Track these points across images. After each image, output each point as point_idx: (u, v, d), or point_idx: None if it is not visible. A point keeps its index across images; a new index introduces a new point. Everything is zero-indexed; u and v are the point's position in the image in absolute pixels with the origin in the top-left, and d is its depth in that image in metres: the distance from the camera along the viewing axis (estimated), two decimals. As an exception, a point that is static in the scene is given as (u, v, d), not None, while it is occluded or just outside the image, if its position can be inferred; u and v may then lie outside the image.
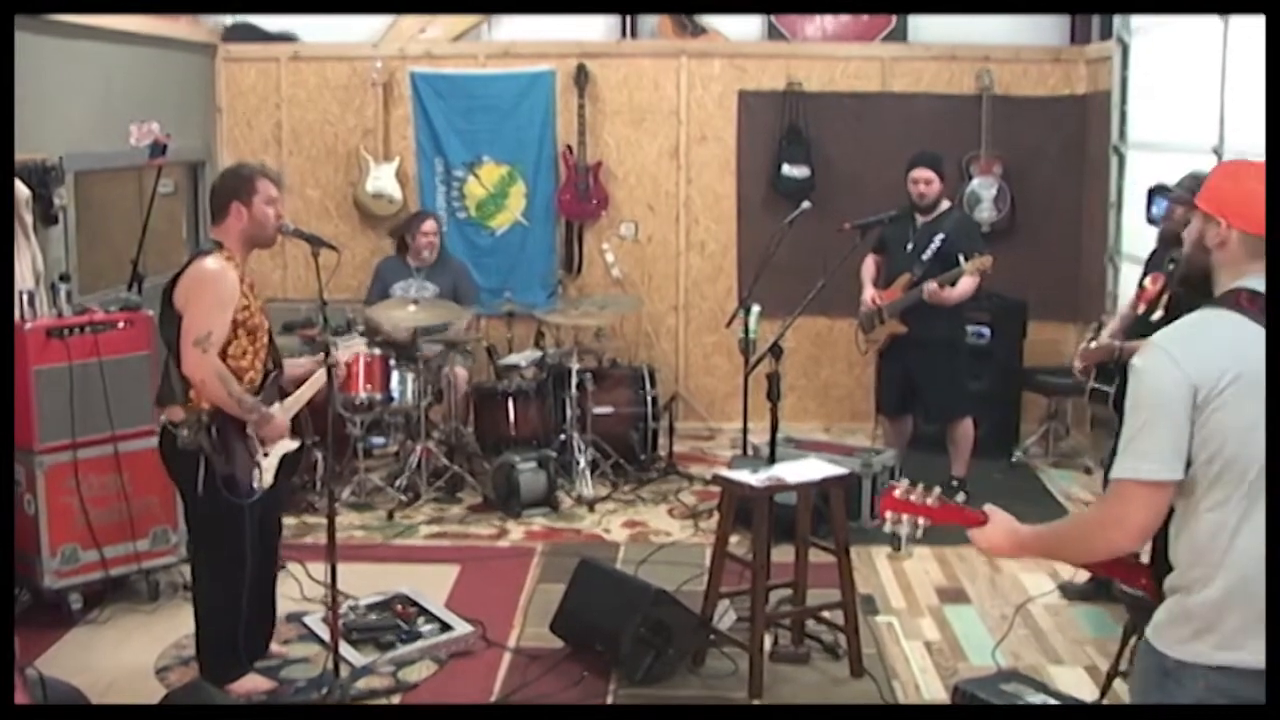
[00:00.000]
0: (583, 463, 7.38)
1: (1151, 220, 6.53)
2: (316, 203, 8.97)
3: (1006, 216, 8.50)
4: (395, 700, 4.83)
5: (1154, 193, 6.33)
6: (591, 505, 7.15)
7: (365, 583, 5.76)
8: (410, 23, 8.93)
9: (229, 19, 8.91)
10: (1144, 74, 7.62)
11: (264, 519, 4.76)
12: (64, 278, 5.87)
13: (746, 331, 6.94)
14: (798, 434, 7.61)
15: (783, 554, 5.19)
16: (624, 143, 8.86)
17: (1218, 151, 6.08)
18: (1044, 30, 8.77)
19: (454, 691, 4.88)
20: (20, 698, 3.78)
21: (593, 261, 8.97)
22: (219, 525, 4.56)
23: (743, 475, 5.05)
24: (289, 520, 6.63)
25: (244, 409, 4.49)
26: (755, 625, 4.79)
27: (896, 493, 2.92)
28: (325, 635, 5.11)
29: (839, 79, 8.72)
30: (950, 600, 5.82)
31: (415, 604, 5.54)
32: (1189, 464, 2.48)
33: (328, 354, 4.73)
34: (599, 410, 7.63)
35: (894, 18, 8.74)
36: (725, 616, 5.25)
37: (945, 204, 7.01)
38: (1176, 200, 5.09)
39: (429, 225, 7.90)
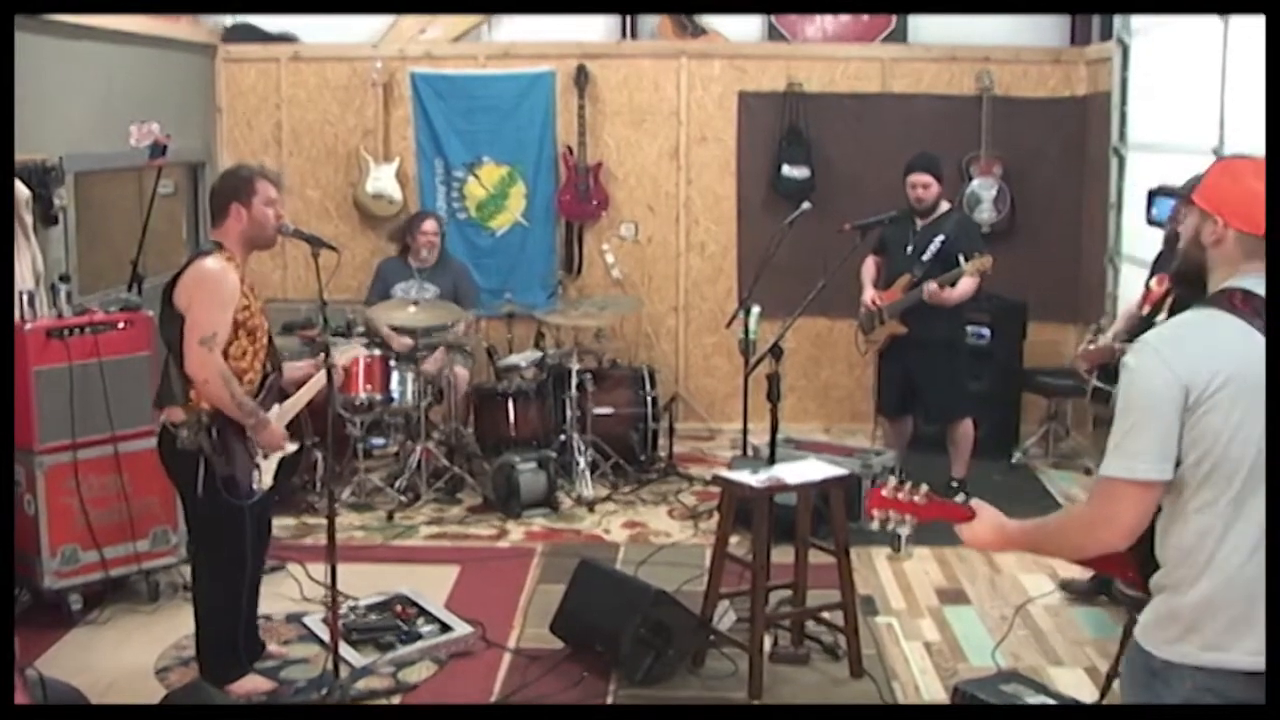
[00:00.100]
0: (583, 463, 7.38)
1: (1151, 221, 6.53)
2: (316, 203, 8.97)
3: (1006, 217, 8.50)
4: (395, 701, 4.83)
5: (1156, 194, 6.33)
6: (591, 506, 7.15)
7: (365, 583, 5.76)
8: (410, 23, 8.93)
9: (229, 19, 8.91)
10: (1144, 75, 7.62)
11: (263, 519, 4.76)
12: (64, 278, 5.87)
13: (746, 332, 6.95)
14: (798, 435, 7.61)
15: (782, 555, 5.19)
16: (624, 143, 8.86)
17: (1218, 152, 6.08)
18: (1044, 31, 8.78)
19: (454, 692, 4.88)
20: (20, 698, 3.78)
21: (593, 262, 8.97)
22: (219, 526, 4.56)
23: (743, 476, 5.05)
24: (289, 521, 6.65)
25: (244, 412, 4.49)
26: (755, 626, 4.79)
27: (884, 491, 2.93)
28: (325, 636, 5.12)
29: (839, 80, 8.72)
30: (950, 601, 5.82)
31: (415, 604, 5.54)
32: (1178, 464, 2.48)
33: (327, 355, 4.74)
34: (599, 411, 7.63)
35: (894, 19, 8.74)
36: (725, 617, 5.25)
37: (945, 205, 7.01)
38: (1183, 202, 5.10)
39: (428, 225, 7.90)
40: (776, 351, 5.72)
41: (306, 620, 5.47)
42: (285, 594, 5.74)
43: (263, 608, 5.14)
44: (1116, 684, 4.46)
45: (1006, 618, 5.57)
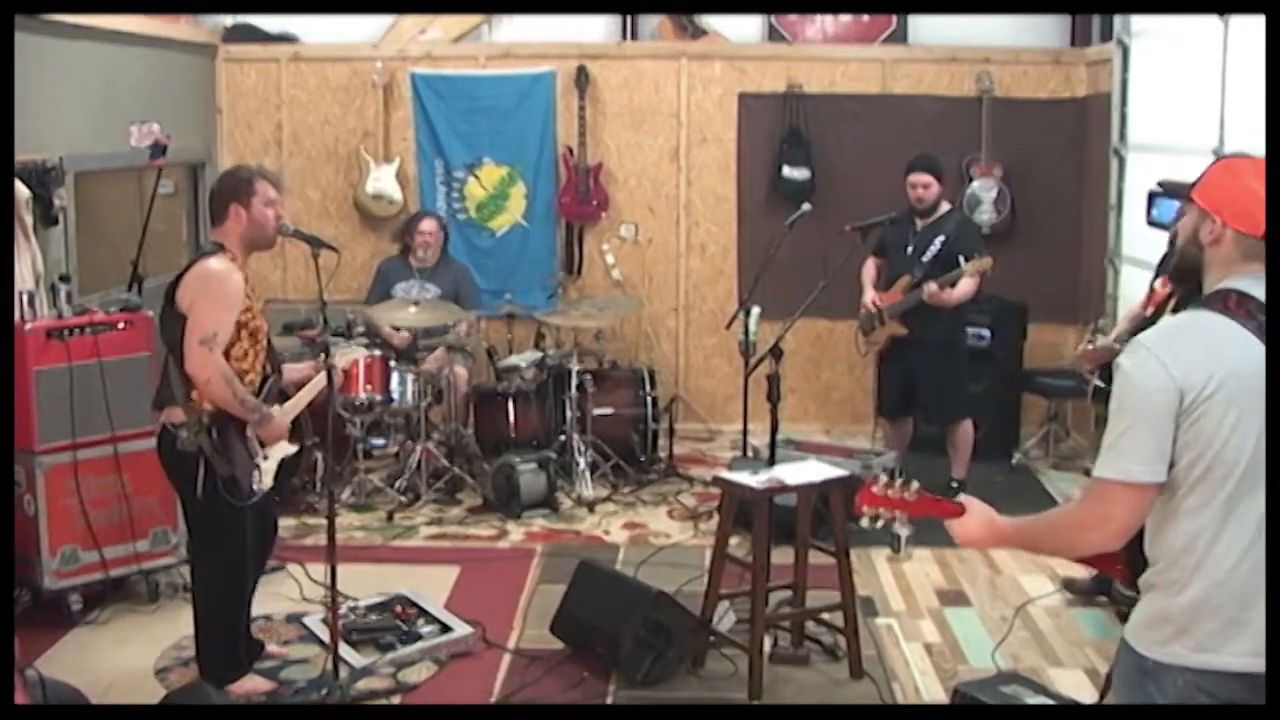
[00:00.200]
0: (583, 464, 7.37)
1: (1152, 223, 6.54)
2: (316, 204, 8.97)
3: (1006, 219, 8.50)
4: (395, 701, 4.83)
5: (1157, 195, 6.33)
6: (591, 507, 7.15)
7: (365, 584, 5.76)
8: (411, 24, 8.93)
9: (229, 20, 8.91)
10: (1144, 76, 7.63)
11: (264, 520, 4.76)
12: (64, 278, 5.88)
13: (746, 333, 6.95)
14: (798, 436, 7.61)
15: (782, 556, 5.19)
16: (624, 144, 8.86)
17: (1218, 153, 6.08)
18: (1044, 32, 8.77)
19: (454, 693, 4.88)
20: (20, 698, 3.78)
21: (593, 263, 8.97)
22: (218, 527, 4.56)
23: (743, 477, 5.05)
24: (290, 521, 6.64)
25: (246, 409, 4.50)
26: (755, 627, 4.79)
27: (875, 488, 2.93)
28: (325, 636, 5.12)
29: (839, 81, 8.72)
30: (950, 602, 5.82)
31: (415, 605, 5.53)
32: (1171, 465, 2.48)
33: (328, 356, 4.73)
34: (599, 412, 7.63)
35: (894, 21, 8.74)
36: (725, 618, 5.25)
37: (945, 206, 7.02)
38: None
39: (426, 225, 7.90)
40: (776, 352, 5.73)
41: (306, 620, 5.47)
42: (285, 594, 5.74)
43: (263, 608, 5.15)
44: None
45: (1006, 619, 5.57)
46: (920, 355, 6.94)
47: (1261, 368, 2.45)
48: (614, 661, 4.97)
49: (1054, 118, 8.60)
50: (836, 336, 8.76)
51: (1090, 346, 5.63)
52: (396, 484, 7.23)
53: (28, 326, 5.34)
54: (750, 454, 6.94)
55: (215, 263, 4.49)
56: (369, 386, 7.05)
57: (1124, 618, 2.73)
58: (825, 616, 5.14)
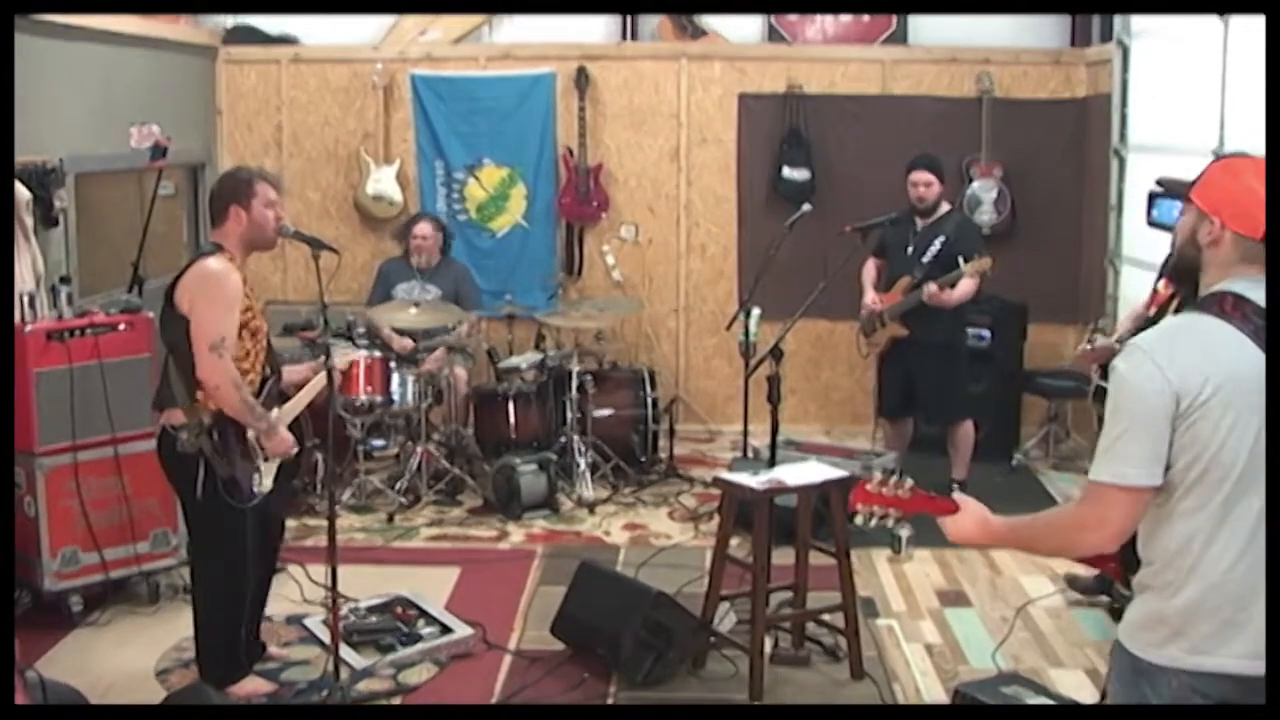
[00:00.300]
0: (583, 465, 7.37)
1: (1152, 223, 6.54)
2: (317, 205, 8.97)
3: (1007, 219, 8.50)
4: (395, 703, 4.83)
5: (1157, 195, 6.32)
6: (592, 508, 7.15)
7: (365, 585, 5.76)
8: (411, 25, 8.93)
9: (229, 21, 8.91)
10: (1144, 77, 7.63)
11: (265, 522, 4.76)
12: (64, 280, 5.88)
13: (747, 334, 6.95)
14: (798, 436, 7.61)
15: (783, 556, 5.19)
16: (624, 145, 8.86)
17: (1218, 154, 6.08)
18: (1044, 33, 8.77)
19: (454, 694, 4.88)
20: (20, 700, 3.78)
21: (593, 264, 8.97)
22: (218, 528, 4.56)
23: (743, 478, 5.05)
24: (290, 523, 6.62)
25: (254, 417, 4.49)
26: (755, 628, 4.79)
27: (869, 486, 2.93)
28: (325, 638, 5.11)
29: (839, 81, 8.72)
30: (951, 603, 5.82)
31: (415, 606, 5.53)
32: (1167, 468, 2.48)
33: (328, 357, 4.73)
34: (599, 412, 7.63)
35: (894, 22, 8.74)
36: (726, 619, 5.25)
37: (945, 207, 7.02)
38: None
39: (421, 228, 7.90)
40: (777, 353, 5.73)
41: (307, 622, 5.47)
42: (286, 596, 5.73)
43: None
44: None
45: (1007, 619, 5.57)
46: (920, 356, 6.94)
47: (1257, 371, 2.45)
48: (614, 662, 4.97)
49: (1054, 118, 8.60)
50: (837, 337, 8.76)
51: (1089, 347, 5.62)
52: (397, 485, 7.23)
53: (28, 328, 5.35)
54: (750, 455, 6.94)
55: (213, 263, 4.49)
56: (369, 388, 7.05)
57: (1121, 615, 2.72)
58: (826, 617, 5.14)
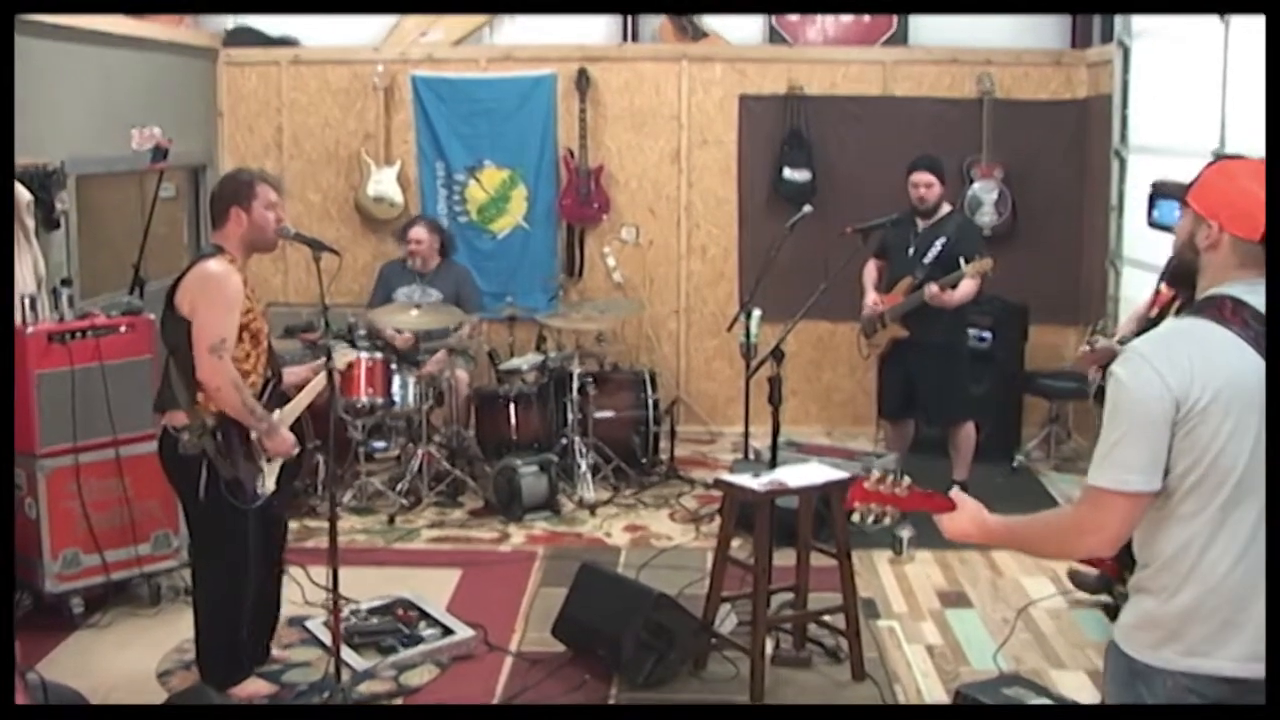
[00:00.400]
0: (584, 466, 7.37)
1: (1153, 224, 6.53)
2: (317, 207, 8.97)
3: (1007, 220, 8.50)
4: (397, 704, 4.83)
5: (1157, 196, 6.32)
6: (593, 509, 7.15)
7: (367, 587, 5.76)
8: (411, 26, 8.93)
9: (230, 23, 8.91)
10: (1145, 78, 7.62)
11: (267, 523, 4.76)
12: (66, 282, 5.88)
13: (748, 335, 6.95)
14: (799, 438, 7.60)
15: (784, 558, 5.18)
16: (625, 146, 8.86)
17: (1219, 155, 6.08)
18: (1045, 34, 8.78)
19: (455, 696, 4.88)
20: (21, 702, 3.78)
21: (594, 265, 8.97)
22: (220, 530, 4.56)
23: (744, 479, 5.05)
24: (291, 524, 6.61)
25: (255, 418, 4.50)
26: (757, 629, 4.79)
27: (867, 484, 2.93)
28: (327, 639, 5.11)
29: (840, 83, 8.72)
30: (952, 604, 5.82)
31: (417, 608, 5.53)
32: (1166, 471, 2.48)
33: (329, 358, 4.74)
34: (600, 414, 7.62)
35: (895, 23, 8.74)
36: (727, 620, 5.25)
37: (946, 208, 7.01)
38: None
39: (415, 233, 7.89)
40: (778, 354, 5.72)
41: (308, 624, 5.47)
42: (287, 597, 5.69)
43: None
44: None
45: (1008, 620, 5.57)
46: (921, 357, 6.94)
47: (1257, 377, 2.45)
48: (616, 664, 4.97)
49: (1055, 119, 8.60)
50: (838, 338, 8.76)
51: (1089, 349, 5.62)
52: (398, 487, 7.23)
53: (29, 330, 5.35)
54: (751, 456, 6.94)
55: (213, 265, 4.49)
56: (370, 389, 7.05)
57: (1117, 615, 2.73)
58: (827, 619, 5.14)
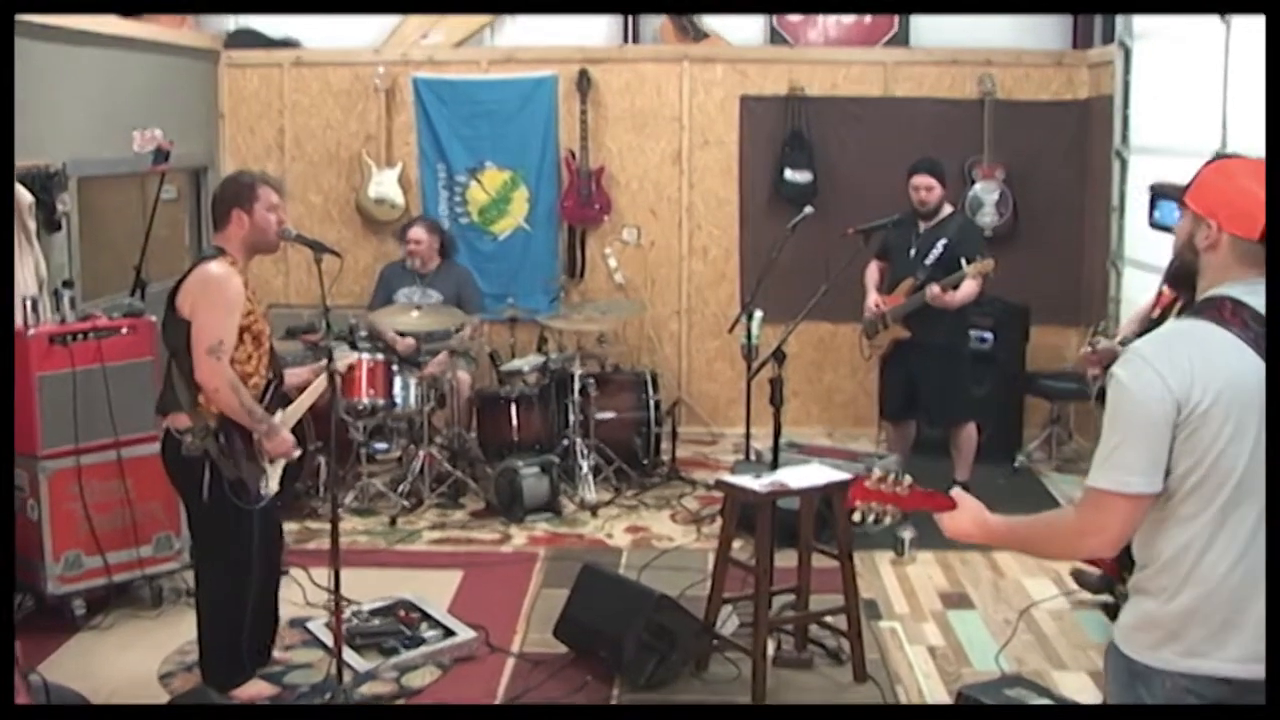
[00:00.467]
0: (585, 468, 7.37)
1: (1154, 224, 6.53)
2: (319, 208, 8.98)
3: (1009, 221, 8.50)
4: (398, 705, 4.83)
5: (1159, 196, 6.32)
6: (594, 510, 7.15)
7: (368, 588, 5.76)
8: (413, 28, 8.94)
9: (231, 25, 8.92)
10: (1146, 79, 7.62)
11: (269, 524, 4.76)
12: (67, 284, 5.88)
13: (749, 336, 6.94)
14: (801, 439, 7.60)
15: (785, 559, 5.18)
16: (626, 148, 8.86)
17: (1220, 156, 6.06)
18: (1046, 35, 8.78)
19: (457, 697, 4.88)
20: (22, 703, 3.79)
21: (595, 266, 8.97)
22: (224, 531, 4.56)
23: (745, 480, 5.04)
24: (292, 526, 6.64)
25: (254, 419, 4.50)
26: (758, 630, 4.79)
27: (868, 483, 2.92)
28: (328, 641, 5.11)
29: (841, 84, 8.72)
30: (954, 605, 5.82)
31: (418, 609, 5.53)
32: (1167, 473, 2.48)
33: (330, 360, 4.74)
34: (601, 415, 7.62)
35: (895, 24, 8.75)
36: (728, 622, 5.24)
37: (948, 209, 7.02)
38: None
39: (414, 233, 7.89)
40: (779, 356, 5.72)
41: (310, 625, 5.47)
42: (288, 599, 5.72)
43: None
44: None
45: (1010, 622, 5.57)
46: (923, 358, 6.94)
47: (1257, 379, 2.44)
48: (617, 665, 4.97)
49: (1056, 120, 8.60)
50: (839, 339, 8.76)
51: (1090, 350, 5.62)
52: (399, 488, 7.23)
53: (31, 332, 5.35)
54: (753, 457, 6.93)
55: (214, 267, 4.50)
56: (372, 391, 7.05)
57: (1117, 615, 2.73)
58: (829, 620, 5.14)
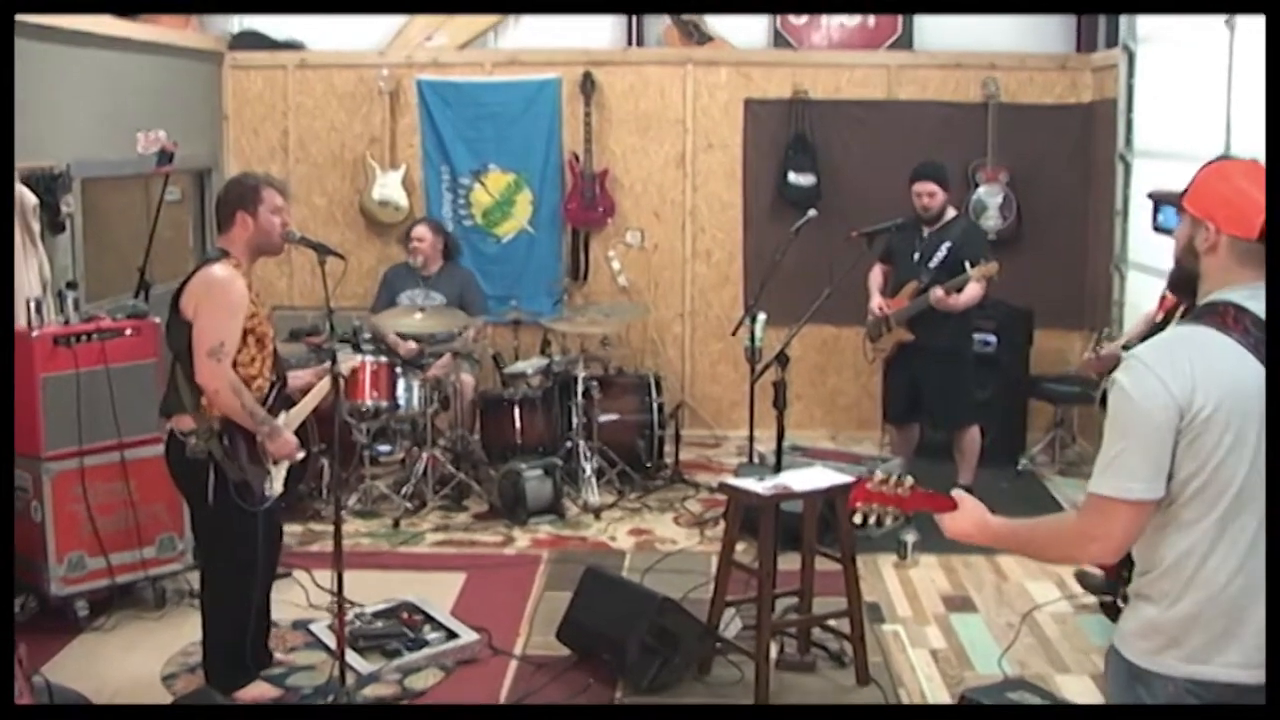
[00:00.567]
0: (589, 470, 7.37)
1: (1157, 228, 6.53)
2: (323, 210, 8.98)
3: (1012, 224, 8.50)
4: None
5: (1160, 203, 6.31)
6: (597, 513, 7.15)
7: (371, 590, 5.76)
8: (417, 30, 8.95)
9: (236, 27, 8.93)
10: (1150, 82, 7.62)
11: (272, 526, 4.77)
12: (71, 285, 5.89)
13: (752, 339, 6.95)
14: (804, 442, 7.61)
15: (789, 562, 5.18)
16: (630, 150, 8.87)
17: (1226, 157, 6.06)
18: (1050, 38, 8.78)
19: (460, 699, 4.88)
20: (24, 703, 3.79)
21: (599, 269, 8.98)
22: (229, 533, 4.57)
23: (749, 483, 5.04)
24: (296, 528, 6.65)
25: (256, 421, 4.51)
26: (761, 633, 4.79)
27: (869, 485, 2.92)
28: (331, 643, 5.11)
29: (845, 87, 8.72)
30: (956, 609, 5.82)
31: (421, 612, 5.53)
32: (1169, 479, 2.48)
33: (334, 362, 4.74)
34: (605, 418, 7.62)
35: (899, 28, 8.75)
36: (731, 625, 5.24)
37: (951, 212, 7.02)
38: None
39: (418, 231, 7.90)
40: (782, 359, 5.72)
41: (313, 627, 5.48)
42: (291, 601, 5.74)
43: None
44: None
45: (1013, 625, 5.56)
46: (926, 361, 6.94)
47: (1258, 385, 2.44)
48: (620, 668, 4.97)
49: (1060, 123, 8.60)
50: (843, 342, 8.75)
51: (1093, 356, 5.61)
52: (403, 490, 7.23)
53: (35, 333, 5.35)
54: (756, 460, 6.93)
55: (218, 270, 4.50)
56: (375, 393, 7.05)
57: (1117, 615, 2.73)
58: (831, 623, 5.14)
